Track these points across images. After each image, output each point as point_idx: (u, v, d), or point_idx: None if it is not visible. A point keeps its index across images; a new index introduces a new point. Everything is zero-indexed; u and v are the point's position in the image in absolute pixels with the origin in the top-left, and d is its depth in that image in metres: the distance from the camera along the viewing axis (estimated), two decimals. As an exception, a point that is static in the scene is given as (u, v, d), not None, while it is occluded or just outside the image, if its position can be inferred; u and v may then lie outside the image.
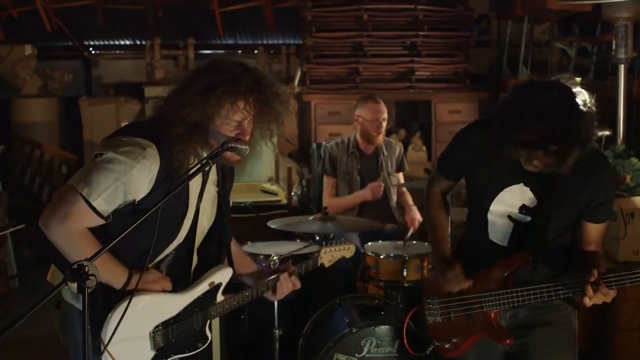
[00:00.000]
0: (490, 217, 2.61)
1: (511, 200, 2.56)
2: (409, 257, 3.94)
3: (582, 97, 2.39)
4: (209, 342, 2.58)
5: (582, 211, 2.53)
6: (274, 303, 3.64)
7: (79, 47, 9.08)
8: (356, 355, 3.51)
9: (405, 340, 3.15)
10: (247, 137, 2.34)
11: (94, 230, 2.31)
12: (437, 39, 7.34)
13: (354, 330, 3.50)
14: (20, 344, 4.82)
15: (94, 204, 2.25)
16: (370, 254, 4.04)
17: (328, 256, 2.92)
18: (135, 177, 2.27)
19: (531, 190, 2.53)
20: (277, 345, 3.66)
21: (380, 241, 4.30)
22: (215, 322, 3.55)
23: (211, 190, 2.52)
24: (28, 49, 8.54)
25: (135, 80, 8.72)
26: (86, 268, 1.98)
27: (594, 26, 7.45)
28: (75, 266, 1.99)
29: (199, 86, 2.28)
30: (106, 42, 9.31)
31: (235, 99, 2.28)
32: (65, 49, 9.15)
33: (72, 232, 2.25)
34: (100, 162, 2.27)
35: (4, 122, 8.13)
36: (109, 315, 2.32)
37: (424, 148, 7.29)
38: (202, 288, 2.50)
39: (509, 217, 2.58)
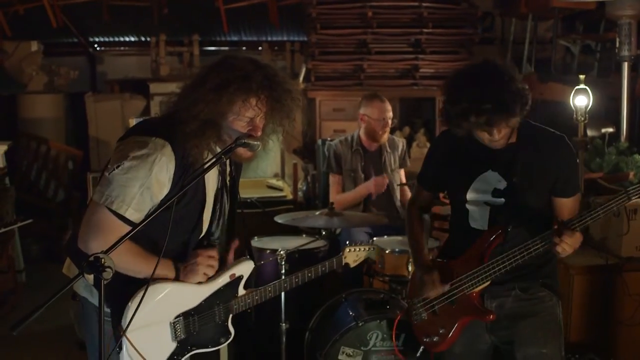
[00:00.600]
0: (468, 206, 2.77)
1: (484, 187, 2.72)
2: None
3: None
4: (231, 337, 2.60)
5: (551, 189, 2.68)
6: (280, 297, 3.69)
7: (84, 43, 9.12)
8: (362, 348, 3.56)
9: (395, 348, 3.37)
10: (259, 133, 2.37)
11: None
12: (441, 36, 7.35)
13: (360, 324, 3.55)
14: (29, 338, 4.88)
15: (126, 215, 2.29)
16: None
17: (352, 256, 2.96)
18: (156, 179, 2.31)
19: (499, 174, 2.69)
20: (284, 339, 3.71)
21: (385, 236, 4.34)
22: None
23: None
24: (34, 45, 8.57)
25: (140, 77, 8.75)
26: (102, 260, 2.02)
27: (598, 24, 7.47)
28: (91, 258, 2.03)
29: (212, 83, 2.31)
30: (111, 39, 9.35)
31: (247, 95, 2.31)
32: (71, 45, 9.19)
33: (119, 251, 2.17)
34: (119, 174, 2.30)
35: (11, 118, 8.18)
36: (129, 303, 2.35)
37: (428, 145, 7.31)
38: (223, 280, 2.53)
39: (485, 203, 2.73)
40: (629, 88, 5.40)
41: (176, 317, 2.47)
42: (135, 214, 2.30)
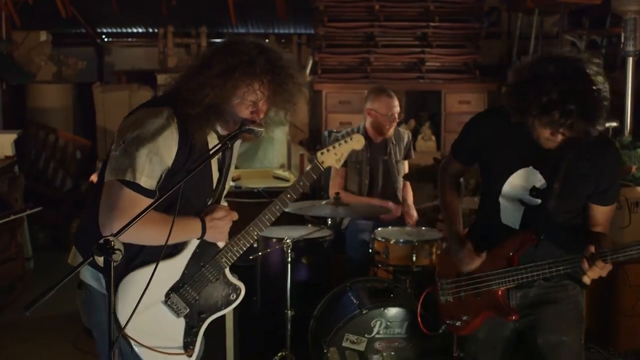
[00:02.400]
0: (502, 200, 2.70)
1: (522, 183, 2.65)
2: (418, 243, 4.03)
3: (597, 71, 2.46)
4: (243, 291, 2.58)
5: (589, 195, 2.61)
6: (287, 285, 3.74)
7: (92, 34, 9.16)
8: (366, 335, 3.61)
9: (419, 320, 3.21)
10: (262, 116, 2.42)
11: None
12: (448, 30, 7.40)
13: (364, 312, 3.60)
14: (37, 324, 4.94)
15: (141, 183, 2.30)
16: (380, 239, 4.13)
17: (331, 156, 2.64)
18: (163, 144, 2.33)
19: (540, 173, 2.62)
20: (289, 326, 3.77)
21: (390, 227, 4.39)
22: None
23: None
24: (43, 35, 8.61)
25: (147, 68, 8.80)
26: (112, 243, 2.07)
27: (604, 19, 7.49)
28: (101, 241, 2.08)
29: (217, 68, 2.34)
30: (119, 30, 9.39)
31: (251, 80, 2.35)
32: (79, 35, 9.23)
33: (138, 226, 2.17)
34: (126, 147, 2.32)
35: (20, 107, 8.23)
36: (113, 302, 2.27)
37: (433, 138, 7.36)
38: (193, 242, 2.50)
39: (520, 200, 2.67)
40: (634, 83, 5.44)
41: (166, 296, 2.47)
42: (148, 181, 2.31)
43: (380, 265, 4.18)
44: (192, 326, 2.52)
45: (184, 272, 2.50)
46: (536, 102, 2.37)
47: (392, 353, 3.62)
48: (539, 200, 2.64)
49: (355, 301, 3.74)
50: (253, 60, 2.34)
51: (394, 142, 4.80)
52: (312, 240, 4.15)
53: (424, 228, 4.43)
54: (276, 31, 9.07)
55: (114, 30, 9.40)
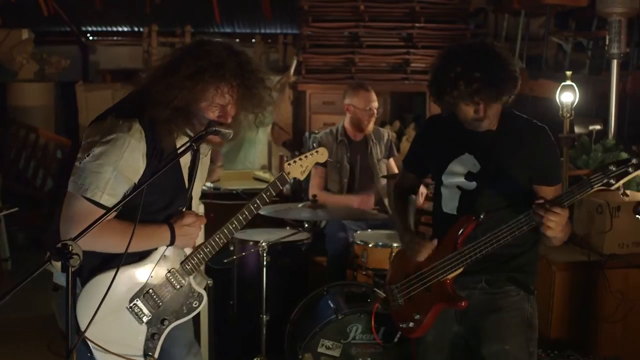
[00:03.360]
0: (442, 190, 2.78)
1: (458, 170, 2.72)
2: (397, 246, 3.97)
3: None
4: (205, 299, 2.56)
5: (532, 177, 2.65)
6: (262, 290, 3.68)
7: (76, 32, 9.09)
8: (342, 341, 3.55)
9: (373, 331, 3.27)
10: (229, 120, 2.38)
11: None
12: (433, 31, 7.35)
13: (340, 317, 3.54)
14: (11, 327, 4.87)
15: (101, 201, 2.28)
16: (359, 242, 4.07)
17: (297, 167, 2.69)
18: (129, 161, 2.31)
19: (475, 157, 2.68)
20: (265, 331, 3.71)
21: (369, 230, 4.34)
22: (204, 307, 3.57)
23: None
24: (25, 34, 8.55)
25: (132, 67, 8.73)
26: (70, 247, 2.01)
27: (590, 21, 7.47)
28: (59, 245, 2.02)
29: (186, 70, 2.30)
30: (103, 29, 9.32)
31: (219, 83, 2.31)
32: (62, 34, 9.16)
33: (95, 234, 2.16)
34: (90, 161, 2.30)
35: (0, 105, 8.16)
36: (76, 305, 2.33)
37: (416, 139, 7.30)
38: (160, 249, 2.48)
39: (458, 187, 2.72)
40: (618, 86, 5.39)
41: (131, 301, 2.44)
42: (110, 199, 2.29)
43: (359, 269, 4.12)
44: (153, 333, 2.48)
45: (149, 278, 2.47)
46: (446, 80, 2.52)
47: (369, 358, 3.56)
48: (474, 184, 2.69)
49: (331, 306, 3.68)
50: (223, 63, 2.31)
51: (374, 140, 4.77)
52: (289, 243, 4.10)
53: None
54: (262, 31, 9.01)
55: (99, 29, 9.33)
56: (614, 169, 2.31)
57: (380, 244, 4.03)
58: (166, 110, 2.30)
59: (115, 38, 9.40)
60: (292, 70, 7.46)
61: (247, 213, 2.54)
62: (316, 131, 5.43)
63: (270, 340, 3.76)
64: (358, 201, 4.57)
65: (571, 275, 3.86)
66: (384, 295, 2.99)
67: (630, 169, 2.30)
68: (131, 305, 2.45)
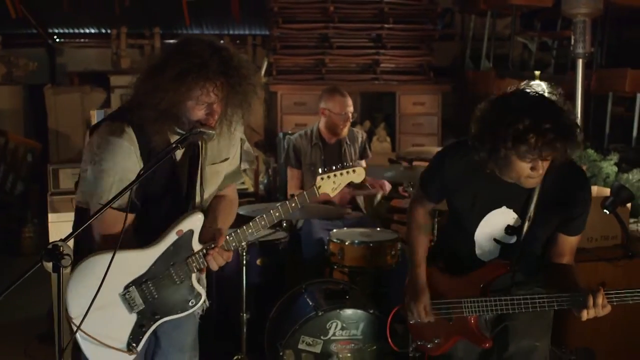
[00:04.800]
0: (477, 239, 2.69)
1: (496, 223, 2.65)
2: (373, 244, 4.04)
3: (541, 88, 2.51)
4: (202, 300, 2.54)
5: (559, 225, 2.61)
6: (242, 288, 3.72)
7: (43, 34, 9.00)
8: (322, 337, 3.60)
9: (389, 338, 3.12)
10: (216, 117, 2.43)
11: None
12: (402, 32, 7.45)
13: (320, 314, 3.60)
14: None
15: (114, 205, 2.32)
16: (335, 240, 4.13)
17: (329, 183, 2.62)
18: (127, 164, 2.41)
19: (514, 211, 2.61)
20: (245, 329, 3.75)
21: (345, 228, 4.40)
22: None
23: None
24: (-8, 36, 8.45)
25: (100, 69, 8.68)
26: (61, 248, 2.05)
27: (555, 21, 7.63)
28: (50, 246, 2.06)
29: (171, 72, 2.35)
30: (71, 30, 9.25)
31: (204, 83, 2.36)
32: (30, 36, 9.06)
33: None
34: (92, 172, 2.42)
35: (-32, 109, 8.06)
36: (67, 288, 2.35)
37: (388, 139, 7.39)
38: (170, 238, 2.47)
39: (495, 239, 2.67)
40: (584, 85, 5.52)
41: (125, 288, 2.44)
42: (120, 201, 2.33)
43: (335, 267, 4.18)
44: (142, 324, 2.48)
45: (150, 267, 2.47)
46: (510, 133, 2.31)
47: (349, 354, 3.63)
48: (515, 238, 2.64)
49: (310, 303, 3.73)
50: (206, 62, 2.35)
51: (348, 142, 4.83)
52: (267, 242, 4.15)
53: (378, 229, 4.44)
54: (231, 32, 9.02)
55: (66, 31, 9.25)
56: None
57: (356, 241, 4.09)
58: (154, 112, 2.36)
59: (82, 40, 9.31)
60: (262, 72, 7.50)
61: (266, 220, 2.56)
62: (289, 132, 5.47)
63: (250, 338, 3.80)
64: (337, 200, 4.63)
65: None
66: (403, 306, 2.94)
67: None
68: (124, 292, 2.44)
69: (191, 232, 2.49)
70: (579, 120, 5.21)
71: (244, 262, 3.73)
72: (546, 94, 2.42)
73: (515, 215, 2.61)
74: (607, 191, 3.88)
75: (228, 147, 2.66)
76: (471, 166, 2.53)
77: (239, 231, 2.55)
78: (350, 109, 4.70)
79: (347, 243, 4.08)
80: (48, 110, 7.98)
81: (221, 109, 2.43)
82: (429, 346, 2.85)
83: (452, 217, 2.81)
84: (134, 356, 2.48)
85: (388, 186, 4.83)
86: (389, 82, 7.43)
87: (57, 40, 9.23)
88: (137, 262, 2.45)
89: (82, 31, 9.25)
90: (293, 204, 2.57)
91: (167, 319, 2.52)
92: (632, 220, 4.31)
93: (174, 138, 2.46)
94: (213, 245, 2.48)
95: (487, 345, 2.68)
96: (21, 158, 7.67)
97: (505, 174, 2.45)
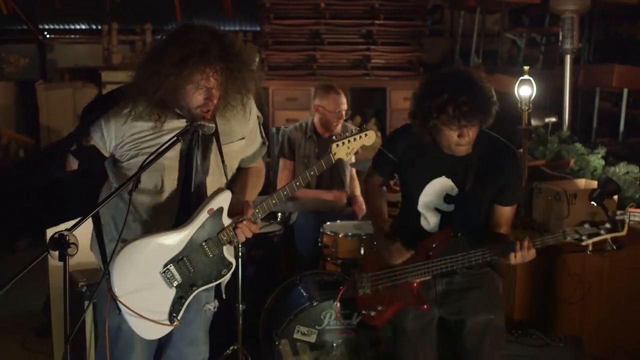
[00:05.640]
0: (420, 209, 2.93)
1: (436, 192, 2.88)
2: (366, 236, 4.11)
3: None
4: (234, 267, 2.68)
5: (494, 196, 2.85)
6: (238, 279, 3.78)
7: (33, 30, 9.02)
8: (316, 327, 3.67)
9: (336, 311, 3.48)
10: (215, 101, 2.51)
11: None
12: (393, 28, 7.51)
13: (315, 304, 3.66)
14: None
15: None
16: (329, 233, 4.19)
17: (344, 149, 2.71)
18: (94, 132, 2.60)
19: (453, 181, 2.85)
20: (241, 320, 3.80)
21: (338, 221, 4.46)
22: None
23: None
24: (-17, 33, 8.46)
25: (91, 65, 8.70)
26: (67, 237, 2.10)
27: (543, 18, 7.71)
28: (56, 235, 2.11)
29: (173, 57, 2.41)
30: (62, 27, 9.26)
31: (205, 68, 2.43)
32: (20, 32, 9.07)
33: None
34: None
35: (-40, 105, 8.07)
36: (110, 269, 2.48)
37: (379, 134, 7.43)
38: (201, 217, 2.58)
39: (436, 209, 2.89)
40: (572, 80, 5.62)
41: (164, 266, 2.56)
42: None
43: (329, 259, 4.24)
44: (181, 296, 2.61)
45: (186, 246, 2.58)
46: (433, 105, 2.65)
47: (342, 343, 3.70)
48: (453, 206, 2.87)
49: (305, 294, 3.80)
50: (207, 48, 2.42)
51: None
52: (262, 234, 4.20)
53: (371, 222, 4.50)
54: (222, 28, 9.03)
55: (57, 27, 9.26)
56: (587, 227, 2.58)
57: (349, 234, 4.15)
58: (154, 96, 2.44)
59: (73, 36, 9.33)
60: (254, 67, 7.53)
61: (288, 190, 2.64)
62: (283, 126, 5.53)
63: (245, 328, 3.85)
64: (332, 196, 4.69)
65: (532, 260, 4.02)
66: (353, 280, 3.15)
67: (602, 232, 2.57)
68: (164, 270, 2.57)
69: (221, 209, 2.60)
70: (567, 115, 5.35)
71: (240, 254, 3.77)
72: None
73: (453, 185, 2.85)
74: (594, 184, 3.96)
75: (243, 126, 2.72)
76: (415, 141, 2.86)
77: (263, 204, 2.64)
78: (344, 106, 4.75)
79: (340, 235, 4.15)
80: (39, 106, 8.00)
81: (219, 93, 2.50)
82: (371, 314, 3.03)
83: (402, 194, 3.06)
84: (175, 324, 2.63)
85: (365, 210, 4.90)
86: (380, 77, 7.49)
87: (48, 36, 9.24)
88: (173, 242, 2.57)
89: (73, 27, 9.27)
90: (312, 173, 2.68)
91: (203, 288, 2.65)
92: (619, 212, 4.38)
93: (172, 120, 2.55)
94: (242, 219, 2.58)
95: (425, 307, 2.87)
96: (14, 153, 7.69)
97: (441, 143, 2.77)
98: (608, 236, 2.58)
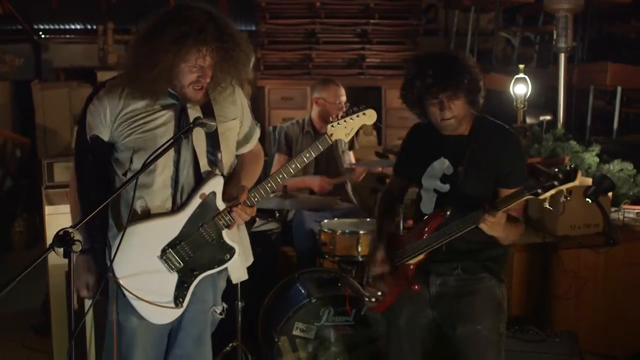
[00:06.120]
0: (422, 192, 2.98)
1: (434, 173, 2.91)
2: (363, 233, 4.14)
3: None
4: (237, 252, 2.68)
5: (496, 180, 2.85)
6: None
7: (28, 30, 9.01)
8: (315, 323, 3.71)
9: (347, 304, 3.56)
10: (207, 80, 2.56)
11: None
12: (387, 27, 7.54)
13: (313, 301, 3.70)
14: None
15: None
16: (326, 230, 4.22)
17: (341, 129, 2.62)
18: (89, 123, 2.63)
19: (449, 161, 2.88)
20: (240, 317, 3.83)
21: (335, 219, 4.49)
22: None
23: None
24: (-22, 32, 8.45)
25: (87, 65, 8.69)
26: (72, 234, 2.13)
27: (537, 17, 7.76)
28: (60, 232, 2.14)
29: (171, 35, 2.45)
30: (57, 26, 9.26)
31: (201, 46, 2.48)
32: (15, 32, 9.07)
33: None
34: None
35: (-45, 105, 8.07)
36: (110, 254, 2.55)
37: (374, 132, 7.48)
38: (194, 203, 2.62)
39: (434, 190, 2.92)
40: (566, 78, 5.66)
41: (162, 251, 2.61)
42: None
43: (326, 256, 4.27)
44: (184, 281, 2.65)
45: (182, 230, 2.62)
46: (406, 82, 2.82)
47: (341, 339, 3.73)
48: (448, 186, 2.89)
49: (303, 291, 3.83)
50: (204, 27, 2.47)
51: (338, 132, 4.89)
52: (260, 232, 4.24)
53: (368, 219, 4.54)
54: (218, 28, 9.08)
55: (52, 27, 9.26)
56: (543, 180, 2.54)
57: (347, 231, 4.18)
58: (150, 73, 2.48)
59: (68, 36, 9.33)
60: (250, 67, 7.56)
61: (284, 173, 2.62)
62: (278, 125, 5.56)
63: (244, 325, 3.88)
64: (316, 186, 4.73)
65: (528, 257, 4.08)
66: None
67: (555, 182, 2.51)
68: (163, 254, 2.61)
69: (214, 193, 2.63)
70: (561, 113, 5.39)
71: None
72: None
73: (449, 165, 2.89)
74: (589, 181, 4.00)
75: (233, 108, 2.75)
76: (420, 131, 3.01)
77: (259, 187, 2.65)
78: (344, 98, 4.83)
79: (338, 233, 4.17)
80: (35, 106, 7.98)
81: (212, 72, 2.55)
82: (373, 300, 3.04)
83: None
84: (182, 309, 2.67)
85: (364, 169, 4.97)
86: (375, 76, 7.53)
87: (43, 36, 9.24)
88: (169, 226, 2.62)
89: (68, 27, 9.27)
90: (307, 155, 2.62)
91: (205, 274, 2.68)
92: (613, 209, 4.44)
93: (164, 99, 2.60)
94: (236, 203, 2.60)
95: (416, 287, 2.87)
96: (10, 153, 7.69)
97: (434, 123, 2.86)
98: (563, 187, 2.52)
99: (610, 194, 4.18)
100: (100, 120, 2.62)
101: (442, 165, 2.90)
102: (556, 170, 2.52)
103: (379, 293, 3.00)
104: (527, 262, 4.08)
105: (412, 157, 3.04)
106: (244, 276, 2.90)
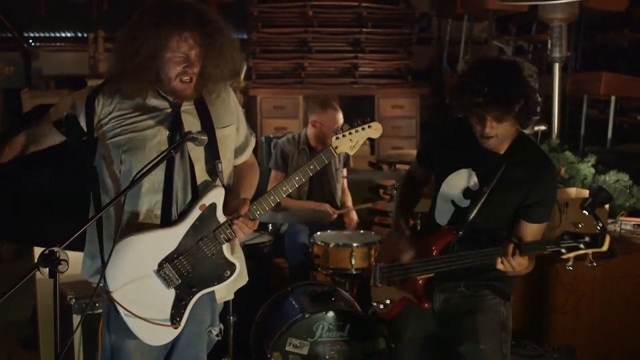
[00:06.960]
0: (438, 200, 2.82)
1: (456, 184, 2.75)
2: (357, 246, 4.09)
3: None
4: (238, 269, 2.56)
5: (518, 208, 2.70)
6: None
7: (18, 38, 8.94)
8: (309, 339, 3.65)
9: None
10: (195, 69, 2.46)
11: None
12: (380, 36, 7.51)
13: (307, 316, 3.64)
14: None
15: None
16: (319, 243, 4.17)
17: (345, 142, 2.56)
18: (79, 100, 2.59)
19: (477, 175, 2.71)
20: (232, 332, 3.76)
21: (328, 231, 4.44)
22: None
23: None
24: (-33, 40, 8.38)
25: (77, 73, 8.63)
26: (57, 254, 2.06)
27: (530, 26, 7.74)
28: (46, 252, 2.07)
29: (149, 19, 2.41)
30: (47, 34, 9.20)
31: (182, 30, 2.41)
32: (5, 40, 9.00)
33: None
34: None
35: (-56, 114, 7.98)
36: (104, 270, 2.43)
37: (367, 142, 7.44)
38: (193, 214, 2.50)
39: (452, 201, 2.77)
40: (560, 88, 5.62)
41: (159, 265, 2.48)
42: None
43: (319, 269, 4.22)
44: (181, 299, 2.52)
45: (180, 244, 2.50)
46: (456, 86, 2.58)
47: (335, 356, 3.67)
48: (469, 202, 2.73)
49: (296, 306, 3.77)
50: (183, 10, 2.42)
51: (333, 151, 4.84)
52: (252, 245, 4.18)
53: (362, 231, 4.49)
54: (209, 36, 9.03)
55: (42, 35, 9.20)
56: (567, 239, 2.46)
57: (340, 244, 4.14)
58: (133, 62, 2.41)
59: (59, 44, 9.27)
60: (242, 76, 7.51)
61: (287, 186, 2.53)
62: (271, 135, 5.51)
63: (236, 340, 3.82)
64: (323, 211, 4.66)
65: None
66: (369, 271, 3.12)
67: (581, 245, 2.44)
68: (160, 269, 2.49)
69: (214, 205, 2.51)
70: (556, 123, 5.35)
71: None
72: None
73: (476, 179, 2.71)
74: (585, 192, 3.97)
75: (227, 114, 2.66)
76: (455, 128, 2.77)
77: (261, 200, 2.55)
78: (341, 122, 4.77)
79: (331, 245, 4.13)
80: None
81: (199, 63, 2.46)
82: (381, 307, 2.98)
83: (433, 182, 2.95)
84: (179, 329, 2.54)
85: (356, 222, 4.89)
86: (368, 85, 7.49)
87: (33, 44, 9.17)
88: (166, 239, 2.49)
89: (58, 35, 9.21)
90: (312, 167, 2.54)
91: (204, 291, 2.55)
92: (610, 220, 4.40)
93: (154, 99, 2.53)
94: (238, 216, 2.50)
95: (427, 305, 2.80)
96: None
97: (472, 128, 2.63)
98: (589, 251, 2.45)
99: (607, 205, 4.14)
100: (87, 111, 2.56)
101: (468, 177, 2.73)
102: (583, 233, 2.42)
103: (387, 301, 2.94)
104: (525, 275, 3.99)
105: (439, 152, 2.85)
106: (229, 296, 2.78)
